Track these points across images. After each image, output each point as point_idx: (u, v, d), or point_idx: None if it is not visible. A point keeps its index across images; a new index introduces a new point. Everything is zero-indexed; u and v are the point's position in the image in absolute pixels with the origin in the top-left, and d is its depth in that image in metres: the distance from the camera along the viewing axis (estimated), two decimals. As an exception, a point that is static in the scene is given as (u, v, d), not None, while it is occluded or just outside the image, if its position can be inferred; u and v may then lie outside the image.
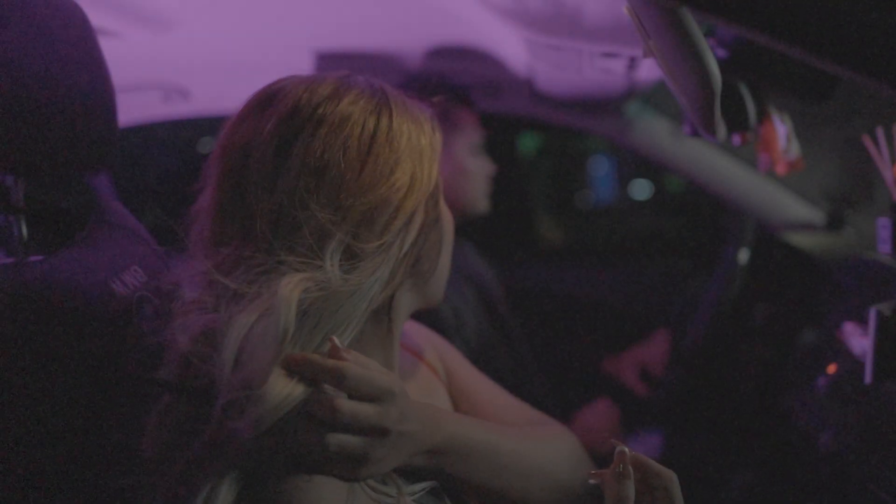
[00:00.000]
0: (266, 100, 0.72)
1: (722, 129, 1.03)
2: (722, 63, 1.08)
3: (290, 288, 0.62)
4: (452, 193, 1.65)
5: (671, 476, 0.70)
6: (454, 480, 0.74)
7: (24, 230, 0.84)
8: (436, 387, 0.91)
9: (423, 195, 0.73)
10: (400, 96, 0.76)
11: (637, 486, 0.70)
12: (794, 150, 1.24)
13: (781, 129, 1.22)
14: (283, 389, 0.61)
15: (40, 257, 0.81)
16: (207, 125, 2.05)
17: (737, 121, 1.16)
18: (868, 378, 1.03)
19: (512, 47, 1.67)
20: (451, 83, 1.72)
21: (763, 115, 1.20)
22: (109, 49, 0.88)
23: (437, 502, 0.74)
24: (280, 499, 0.61)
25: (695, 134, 1.28)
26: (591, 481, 0.70)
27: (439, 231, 0.78)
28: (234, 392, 0.59)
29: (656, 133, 1.97)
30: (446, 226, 0.80)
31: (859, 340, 1.22)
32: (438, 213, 0.77)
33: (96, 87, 0.85)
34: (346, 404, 0.63)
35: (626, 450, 0.69)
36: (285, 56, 1.81)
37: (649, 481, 0.70)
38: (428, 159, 0.74)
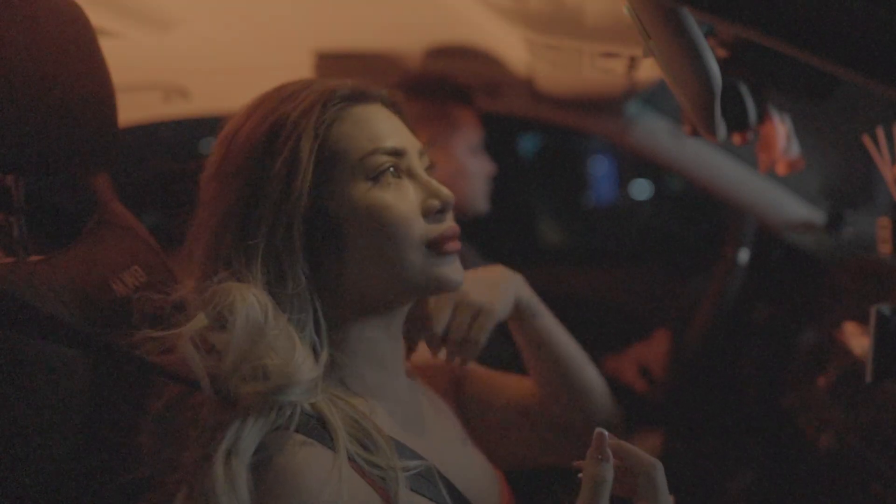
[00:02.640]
0: None
1: (722, 129, 1.03)
2: (722, 63, 1.08)
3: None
4: (452, 193, 1.65)
5: (654, 463, 0.68)
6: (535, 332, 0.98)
7: (24, 230, 0.84)
8: (443, 408, 0.95)
9: None
10: None
11: (620, 472, 0.69)
12: (794, 150, 1.24)
13: (781, 129, 1.22)
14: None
15: (40, 257, 0.81)
16: (207, 125, 2.05)
17: (737, 121, 1.16)
18: (868, 378, 1.02)
19: (512, 47, 1.66)
20: (451, 83, 1.72)
21: (763, 115, 1.20)
22: (109, 49, 0.88)
23: (430, 486, 0.75)
24: (277, 462, 0.66)
25: (695, 134, 1.28)
26: (575, 463, 0.70)
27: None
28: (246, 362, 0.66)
29: (656, 133, 1.97)
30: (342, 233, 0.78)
31: (859, 340, 1.22)
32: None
33: (96, 87, 0.85)
34: None
35: (606, 433, 0.68)
36: (285, 56, 1.81)
37: (632, 468, 0.69)
38: None
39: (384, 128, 0.80)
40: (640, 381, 1.91)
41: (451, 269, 0.80)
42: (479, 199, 1.69)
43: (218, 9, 1.43)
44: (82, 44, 0.83)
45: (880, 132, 1.19)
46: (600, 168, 4.57)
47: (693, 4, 0.60)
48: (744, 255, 1.81)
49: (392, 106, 0.85)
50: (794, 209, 1.87)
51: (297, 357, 0.69)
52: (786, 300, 1.81)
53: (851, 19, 0.55)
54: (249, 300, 0.69)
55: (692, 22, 0.72)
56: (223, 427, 0.66)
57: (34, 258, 0.82)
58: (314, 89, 0.77)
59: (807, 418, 1.28)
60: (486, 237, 2.02)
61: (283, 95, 0.78)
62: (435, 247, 0.78)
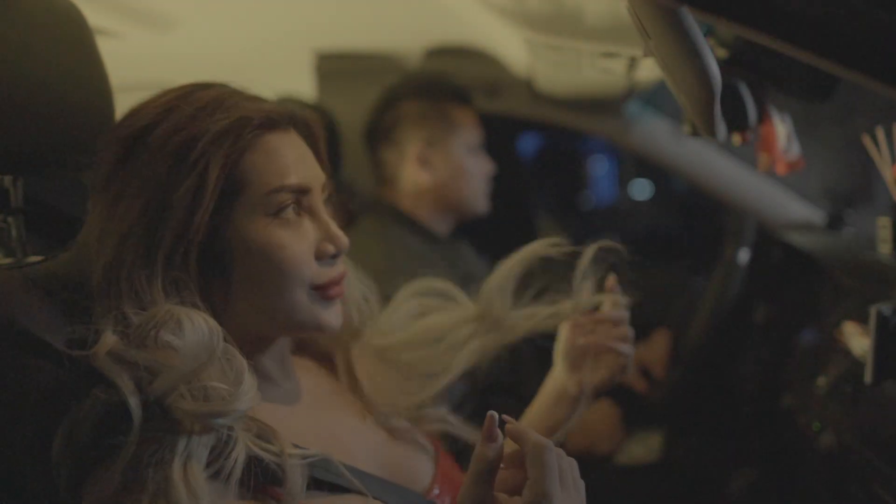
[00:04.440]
0: None
1: (722, 129, 1.03)
2: (722, 63, 1.08)
3: None
4: (451, 193, 1.65)
5: (544, 445, 0.66)
6: None
7: (24, 230, 0.84)
8: (337, 397, 0.92)
9: None
10: None
11: (515, 452, 0.68)
12: (794, 150, 1.24)
13: (781, 129, 1.22)
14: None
15: (39, 257, 0.81)
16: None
17: (737, 121, 1.15)
18: (868, 378, 1.02)
19: (512, 47, 1.67)
20: (449, 83, 1.72)
21: (763, 115, 1.20)
22: (109, 49, 0.88)
23: (330, 475, 0.73)
24: None
25: (695, 134, 1.28)
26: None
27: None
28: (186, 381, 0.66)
29: (656, 133, 1.97)
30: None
31: (859, 340, 1.22)
32: None
33: (96, 87, 0.85)
34: None
35: (496, 416, 0.67)
36: (285, 56, 1.81)
37: (524, 448, 0.68)
38: None
39: (292, 161, 0.77)
40: (640, 381, 1.91)
41: (331, 314, 0.80)
42: (478, 199, 1.68)
43: (218, 9, 1.43)
44: (80, 44, 0.83)
45: (880, 132, 1.19)
46: (600, 168, 4.57)
47: (693, 4, 0.60)
48: (744, 255, 1.81)
49: (305, 129, 0.83)
50: (794, 209, 1.87)
51: (244, 386, 0.68)
52: (786, 300, 1.81)
53: (851, 19, 0.55)
54: (198, 322, 0.69)
55: (692, 22, 0.72)
56: (164, 439, 0.64)
57: (33, 258, 0.82)
58: (230, 111, 0.74)
59: (807, 418, 1.28)
60: (486, 237, 2.02)
61: (196, 107, 0.74)
62: (320, 290, 0.78)
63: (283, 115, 0.79)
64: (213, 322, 0.70)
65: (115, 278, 0.71)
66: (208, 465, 0.66)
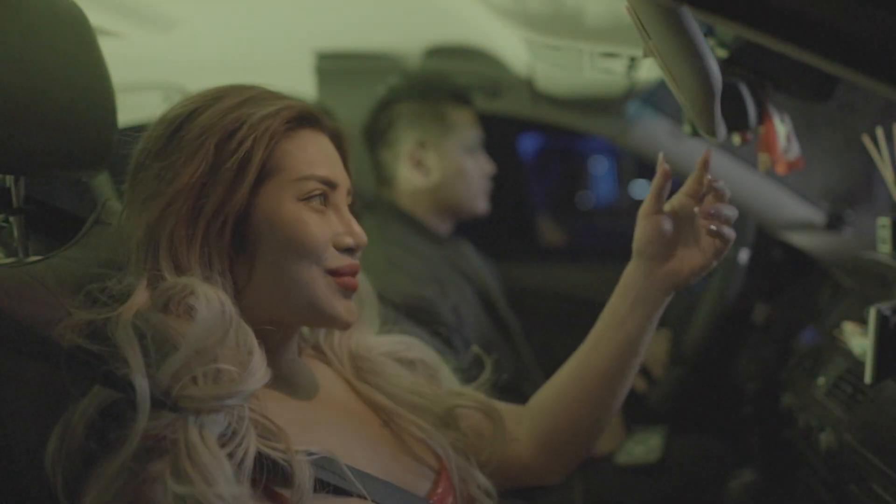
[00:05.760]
0: None
1: (722, 129, 1.03)
2: (722, 63, 1.08)
3: None
4: (448, 194, 1.65)
5: None
6: None
7: (24, 230, 0.84)
8: (334, 381, 0.94)
9: None
10: None
11: None
12: (794, 150, 1.24)
13: (781, 129, 1.22)
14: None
15: (40, 257, 0.81)
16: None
17: (737, 121, 1.16)
18: (868, 378, 1.02)
19: (512, 47, 1.67)
20: (446, 83, 1.72)
21: (763, 115, 1.20)
22: (109, 49, 0.88)
23: (333, 476, 0.74)
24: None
25: (695, 134, 1.28)
26: None
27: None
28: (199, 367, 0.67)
29: (656, 133, 1.97)
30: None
31: (859, 340, 1.22)
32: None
33: (96, 87, 0.85)
34: None
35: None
36: (285, 56, 1.81)
37: None
38: None
39: (322, 156, 0.84)
40: (640, 381, 1.91)
41: (346, 307, 0.83)
42: (476, 199, 1.68)
43: (218, 9, 1.43)
44: (82, 44, 0.84)
45: (880, 132, 1.20)
46: (600, 168, 4.58)
47: (693, 4, 0.60)
48: (744, 255, 1.81)
49: (337, 139, 0.88)
50: (794, 209, 1.87)
51: (253, 364, 0.70)
52: (786, 300, 1.81)
53: (851, 19, 0.55)
54: (213, 299, 0.71)
55: (692, 22, 0.72)
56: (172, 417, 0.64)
57: (34, 258, 0.82)
58: (275, 101, 0.81)
59: (807, 418, 1.28)
60: (485, 237, 2.02)
61: (245, 96, 0.81)
62: (335, 276, 0.82)
63: (318, 115, 0.85)
64: (226, 298, 0.73)
65: (158, 236, 0.75)
66: (221, 446, 0.66)
